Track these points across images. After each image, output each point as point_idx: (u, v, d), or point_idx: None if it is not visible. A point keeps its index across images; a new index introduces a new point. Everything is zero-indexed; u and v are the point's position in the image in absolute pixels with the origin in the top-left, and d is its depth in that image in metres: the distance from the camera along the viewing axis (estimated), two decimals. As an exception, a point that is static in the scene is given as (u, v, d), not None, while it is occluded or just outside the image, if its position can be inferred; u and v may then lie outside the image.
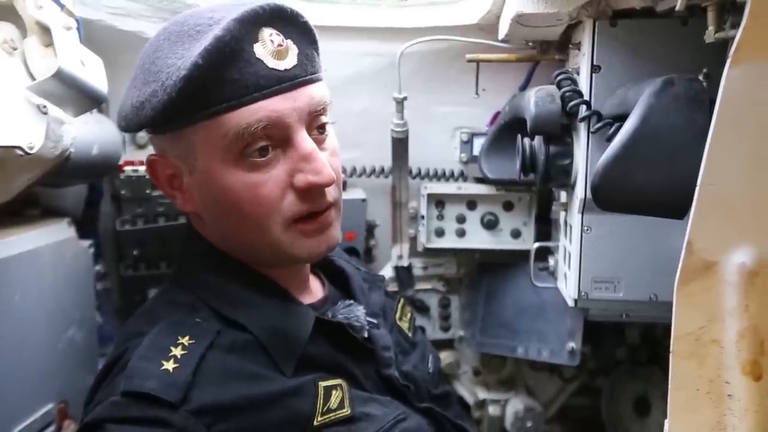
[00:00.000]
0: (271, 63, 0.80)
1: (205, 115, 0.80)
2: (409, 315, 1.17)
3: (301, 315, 0.91)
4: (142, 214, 1.35)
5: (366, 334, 0.96)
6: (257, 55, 0.79)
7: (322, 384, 0.85)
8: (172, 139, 0.85)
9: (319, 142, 0.88)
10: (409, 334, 1.12)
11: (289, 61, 0.82)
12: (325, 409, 0.83)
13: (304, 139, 0.84)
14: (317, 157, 0.84)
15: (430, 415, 1.00)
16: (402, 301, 1.18)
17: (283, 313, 0.90)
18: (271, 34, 0.81)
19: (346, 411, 0.85)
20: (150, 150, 1.32)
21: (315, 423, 0.82)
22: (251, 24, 0.79)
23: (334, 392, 0.85)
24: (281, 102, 0.81)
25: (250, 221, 0.85)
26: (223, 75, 0.78)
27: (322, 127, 0.88)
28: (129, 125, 0.85)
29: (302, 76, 0.83)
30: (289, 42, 0.83)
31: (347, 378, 0.90)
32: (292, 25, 0.84)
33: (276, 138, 0.83)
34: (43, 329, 1.04)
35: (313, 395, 0.83)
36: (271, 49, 0.80)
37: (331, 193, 0.88)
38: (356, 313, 0.96)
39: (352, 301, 0.99)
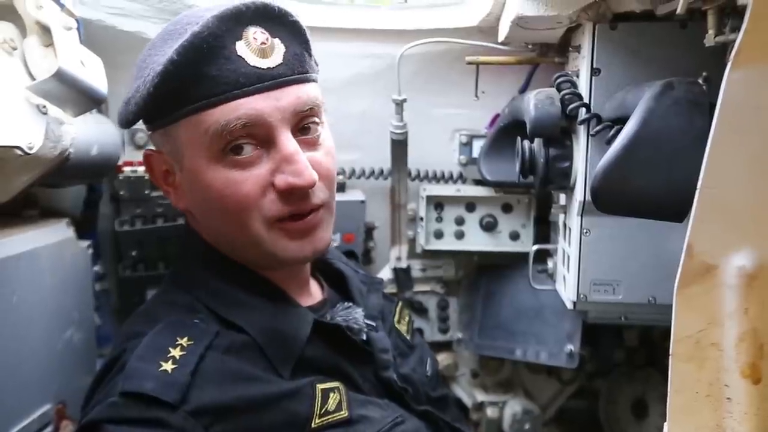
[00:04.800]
0: (253, 61, 0.80)
1: (186, 111, 0.81)
2: (407, 318, 1.17)
3: (299, 317, 0.91)
4: (140, 214, 1.35)
5: (364, 337, 0.96)
6: (238, 53, 0.79)
7: (320, 386, 0.85)
8: (163, 136, 0.87)
9: (310, 144, 0.87)
10: (408, 337, 1.12)
11: (274, 60, 0.81)
12: (323, 411, 0.83)
13: (287, 140, 0.83)
14: (299, 159, 0.82)
15: (427, 418, 1.00)
16: (400, 304, 1.18)
17: (281, 315, 0.90)
18: (255, 32, 0.80)
19: (344, 413, 0.85)
20: (149, 150, 1.32)
21: (313, 425, 0.82)
22: (233, 21, 0.79)
23: (331, 395, 0.85)
24: (262, 101, 0.80)
25: (231, 217, 0.85)
26: (202, 71, 0.78)
27: (310, 129, 0.87)
28: (120, 120, 0.87)
29: (288, 75, 0.82)
30: (276, 41, 0.82)
31: (345, 380, 0.90)
32: (281, 24, 0.83)
33: (259, 137, 0.82)
34: (42, 330, 1.03)
35: (311, 397, 0.83)
36: (254, 47, 0.80)
37: (318, 194, 0.87)
38: (355, 315, 0.96)
39: (350, 304, 0.99)
